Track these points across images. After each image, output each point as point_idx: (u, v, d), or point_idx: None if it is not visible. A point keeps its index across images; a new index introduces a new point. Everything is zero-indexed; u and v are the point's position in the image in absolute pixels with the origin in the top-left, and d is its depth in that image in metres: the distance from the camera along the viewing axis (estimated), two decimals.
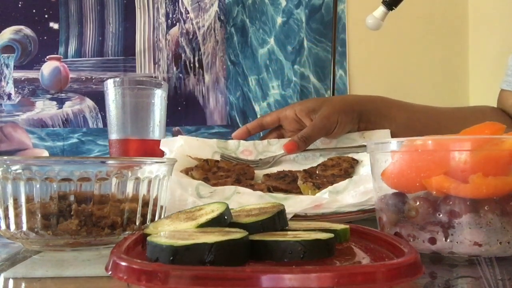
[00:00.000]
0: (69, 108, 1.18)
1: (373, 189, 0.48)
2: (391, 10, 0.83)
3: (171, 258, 0.31)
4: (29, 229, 0.43)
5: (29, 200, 0.43)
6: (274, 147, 0.85)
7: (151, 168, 0.47)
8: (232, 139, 0.87)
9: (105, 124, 1.00)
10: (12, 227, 0.43)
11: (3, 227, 0.44)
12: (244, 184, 0.69)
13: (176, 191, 0.60)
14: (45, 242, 0.44)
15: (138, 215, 0.46)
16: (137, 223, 0.46)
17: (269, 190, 0.69)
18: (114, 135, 0.88)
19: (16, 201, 0.43)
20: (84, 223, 0.43)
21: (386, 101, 0.84)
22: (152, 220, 0.47)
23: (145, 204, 0.47)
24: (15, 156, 1.07)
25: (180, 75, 1.19)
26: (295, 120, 0.83)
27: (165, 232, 0.36)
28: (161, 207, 0.50)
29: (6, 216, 0.44)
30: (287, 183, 0.72)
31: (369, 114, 0.81)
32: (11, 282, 0.38)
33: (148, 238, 0.33)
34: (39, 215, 0.42)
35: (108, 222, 0.44)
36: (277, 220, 0.39)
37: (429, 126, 0.83)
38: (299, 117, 0.83)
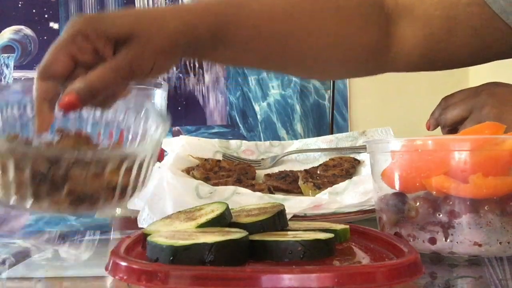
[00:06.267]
0: None
1: (372, 190, 0.48)
2: None
3: (171, 258, 0.31)
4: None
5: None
6: (276, 148, 0.85)
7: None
8: (232, 139, 0.87)
9: None
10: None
11: None
12: (245, 184, 0.69)
13: (176, 192, 0.60)
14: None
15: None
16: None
17: (270, 190, 0.69)
18: None
19: None
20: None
21: None
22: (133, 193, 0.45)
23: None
24: None
25: (180, 75, 1.19)
26: None
27: (165, 232, 0.36)
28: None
29: None
30: (288, 183, 0.72)
31: None
32: (11, 282, 0.38)
33: (148, 238, 0.33)
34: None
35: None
36: (277, 220, 0.40)
37: None
38: None
